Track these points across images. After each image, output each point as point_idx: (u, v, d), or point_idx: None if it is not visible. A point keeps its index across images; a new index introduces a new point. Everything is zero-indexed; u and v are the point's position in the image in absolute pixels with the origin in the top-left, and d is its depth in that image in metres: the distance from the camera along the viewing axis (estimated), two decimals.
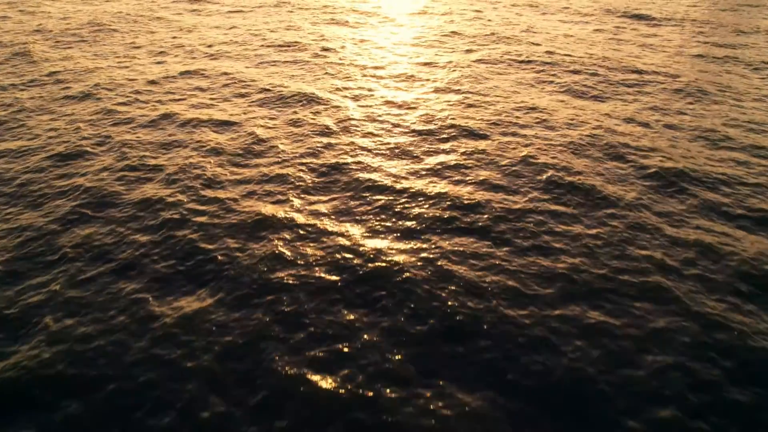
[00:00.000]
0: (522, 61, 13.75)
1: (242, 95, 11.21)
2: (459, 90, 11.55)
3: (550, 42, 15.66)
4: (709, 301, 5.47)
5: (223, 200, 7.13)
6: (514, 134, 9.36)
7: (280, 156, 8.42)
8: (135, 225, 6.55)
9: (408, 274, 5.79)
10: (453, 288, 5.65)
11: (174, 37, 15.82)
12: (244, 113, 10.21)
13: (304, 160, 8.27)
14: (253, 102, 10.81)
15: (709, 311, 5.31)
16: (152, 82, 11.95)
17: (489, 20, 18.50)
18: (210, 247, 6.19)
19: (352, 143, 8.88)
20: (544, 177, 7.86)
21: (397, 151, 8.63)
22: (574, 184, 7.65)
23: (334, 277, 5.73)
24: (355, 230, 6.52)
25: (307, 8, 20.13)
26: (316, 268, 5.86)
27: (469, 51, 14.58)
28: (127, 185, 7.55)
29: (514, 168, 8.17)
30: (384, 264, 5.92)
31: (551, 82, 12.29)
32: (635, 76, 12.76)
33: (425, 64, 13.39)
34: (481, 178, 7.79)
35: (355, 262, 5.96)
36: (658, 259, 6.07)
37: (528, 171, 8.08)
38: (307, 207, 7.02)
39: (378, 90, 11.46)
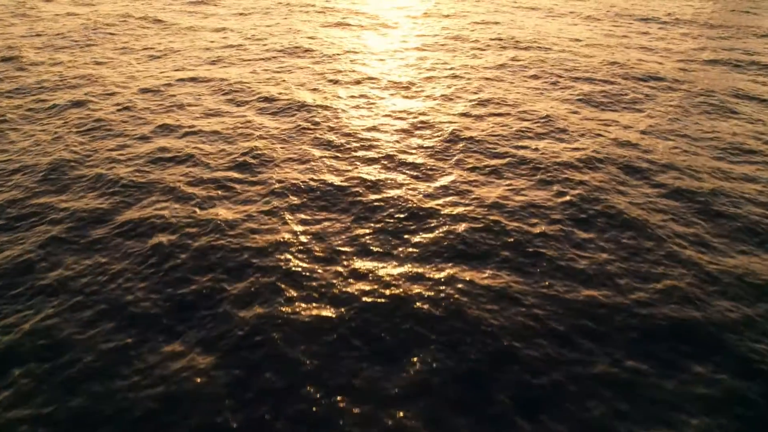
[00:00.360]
0: (530, 67, 13.20)
1: (239, 104, 10.68)
2: (466, 99, 11.00)
3: (558, 46, 15.11)
4: (751, 344, 4.94)
5: (215, 224, 6.60)
6: (525, 148, 8.82)
7: (278, 173, 7.89)
8: (117, 254, 6.01)
9: (414, 312, 5.26)
10: (464, 327, 5.13)
11: (170, 42, 15.29)
12: (241, 125, 9.67)
13: (303, 177, 7.74)
14: (250, 112, 10.28)
15: (752, 357, 4.78)
16: (145, 90, 11.41)
17: (494, 23, 17.95)
18: (199, 279, 5.66)
19: (354, 159, 8.35)
20: (561, 199, 7.32)
21: (401, 167, 8.09)
22: (594, 207, 7.10)
23: (333, 316, 5.20)
24: (357, 261, 5.98)
25: (307, 11, 19.59)
26: (314, 306, 5.33)
27: (474, 56, 14.04)
28: (112, 207, 7.02)
29: (528, 187, 7.63)
30: (387, 300, 5.39)
31: (562, 89, 11.75)
32: (649, 84, 12.21)
33: (429, 70, 12.84)
34: (493, 199, 7.25)
35: (355, 299, 5.42)
36: (690, 293, 5.53)
37: (544, 192, 7.53)
38: (305, 233, 6.49)
39: (381, 99, 10.92)
